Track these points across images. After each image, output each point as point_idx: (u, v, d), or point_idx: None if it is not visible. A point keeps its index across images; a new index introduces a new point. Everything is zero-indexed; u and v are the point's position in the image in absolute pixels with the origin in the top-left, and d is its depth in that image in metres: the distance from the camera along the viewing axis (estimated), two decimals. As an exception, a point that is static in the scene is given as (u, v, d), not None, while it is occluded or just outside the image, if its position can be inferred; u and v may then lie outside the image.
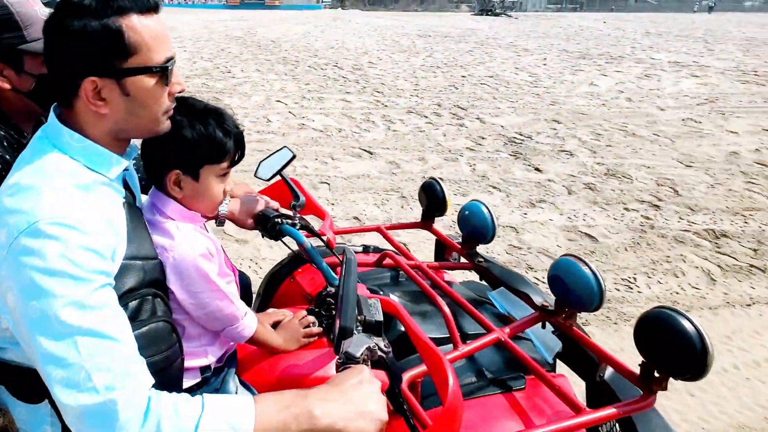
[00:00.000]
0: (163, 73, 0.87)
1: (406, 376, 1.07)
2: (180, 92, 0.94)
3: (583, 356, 1.31)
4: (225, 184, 1.11)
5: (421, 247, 3.71)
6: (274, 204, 1.44)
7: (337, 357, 0.90)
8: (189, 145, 1.02)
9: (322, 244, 1.42)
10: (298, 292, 1.64)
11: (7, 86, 1.17)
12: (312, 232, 1.39)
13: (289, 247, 1.44)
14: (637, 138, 6.60)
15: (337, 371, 0.89)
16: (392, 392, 0.91)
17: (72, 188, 0.82)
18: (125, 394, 0.73)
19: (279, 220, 1.36)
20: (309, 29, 23.54)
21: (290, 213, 1.43)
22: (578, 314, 1.29)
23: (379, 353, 0.90)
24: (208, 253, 1.05)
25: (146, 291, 0.89)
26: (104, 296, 0.77)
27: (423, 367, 1.12)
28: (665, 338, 1.04)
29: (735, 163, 5.71)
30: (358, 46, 16.96)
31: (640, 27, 26.25)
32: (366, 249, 1.78)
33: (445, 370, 0.85)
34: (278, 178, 1.53)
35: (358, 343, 0.88)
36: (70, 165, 0.85)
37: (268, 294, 1.72)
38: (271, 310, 1.37)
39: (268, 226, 1.37)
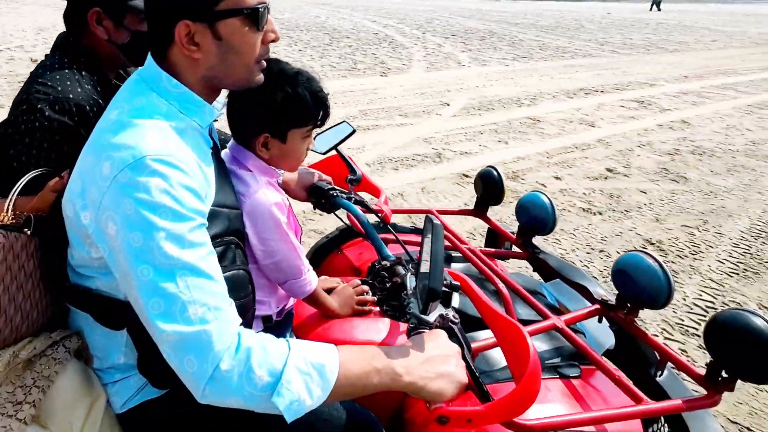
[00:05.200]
0: (254, 15, 0.84)
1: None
2: (273, 40, 0.91)
3: (636, 353, 1.25)
4: (308, 143, 1.12)
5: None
6: (327, 178, 1.43)
7: (409, 322, 0.90)
8: (279, 109, 1.02)
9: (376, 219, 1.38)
10: (345, 265, 1.61)
11: (104, 37, 1.19)
12: (367, 207, 1.35)
13: (342, 220, 1.42)
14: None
15: (409, 335, 0.88)
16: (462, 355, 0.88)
17: (170, 129, 0.82)
18: (217, 327, 0.74)
19: (334, 192, 1.34)
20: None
21: (343, 188, 1.41)
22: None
23: (449, 323, 0.89)
24: (282, 204, 1.07)
25: (230, 239, 0.90)
26: (201, 235, 0.78)
27: (484, 342, 1.11)
28: (738, 339, 0.97)
29: None
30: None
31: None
32: (417, 230, 1.73)
33: (524, 340, 0.81)
34: (333, 152, 1.50)
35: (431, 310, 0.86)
36: (168, 108, 0.86)
37: (315, 264, 1.69)
38: (323, 277, 1.33)
39: (322, 198, 1.35)
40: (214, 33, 0.83)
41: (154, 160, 0.75)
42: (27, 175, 1.01)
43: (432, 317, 0.88)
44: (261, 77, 0.93)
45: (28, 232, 0.91)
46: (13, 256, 0.87)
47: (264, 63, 0.92)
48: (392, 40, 13.25)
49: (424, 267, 0.84)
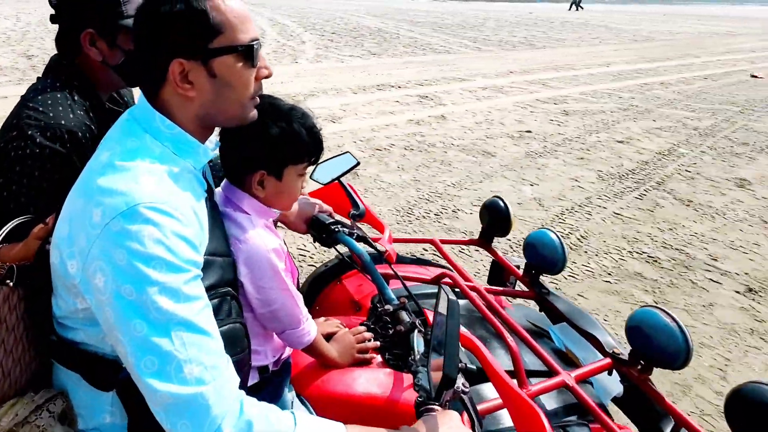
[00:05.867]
0: (248, 53, 0.84)
1: None
2: (267, 76, 0.90)
3: (650, 411, 1.24)
4: (302, 181, 1.08)
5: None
6: (328, 209, 1.36)
7: (417, 395, 0.87)
8: (275, 146, 0.99)
9: (373, 251, 1.31)
10: (345, 297, 1.53)
11: (98, 59, 1.17)
12: (369, 244, 1.28)
13: (341, 254, 1.34)
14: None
15: (417, 409, 0.85)
16: None
17: (164, 174, 0.79)
18: (215, 389, 0.70)
19: (335, 228, 1.27)
20: None
21: (345, 221, 1.35)
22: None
23: (460, 394, 0.86)
24: (280, 250, 1.03)
25: (225, 290, 0.86)
26: (196, 287, 0.75)
27: (491, 403, 1.08)
28: (760, 414, 0.96)
29: None
30: None
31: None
32: (418, 261, 1.69)
33: (542, 424, 0.81)
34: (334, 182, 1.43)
35: None
36: (162, 150, 0.83)
37: (312, 293, 1.61)
38: (322, 319, 1.30)
39: (322, 233, 1.28)
40: (209, 71, 0.82)
41: (147, 207, 0.72)
42: (10, 223, 0.97)
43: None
44: (255, 113, 0.91)
45: (11, 284, 0.87)
46: None
47: (257, 99, 0.90)
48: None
49: (437, 344, 0.80)
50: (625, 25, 22.37)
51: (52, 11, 1.19)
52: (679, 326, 1.12)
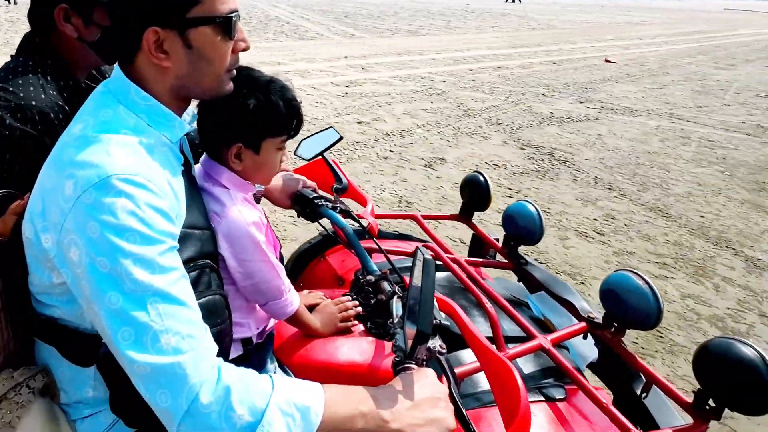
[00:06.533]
0: (227, 24, 0.81)
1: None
2: (244, 49, 0.87)
3: (622, 372, 1.26)
4: (282, 155, 1.06)
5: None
6: (312, 184, 1.35)
7: (395, 356, 0.87)
8: (252, 118, 0.97)
9: (357, 226, 1.31)
10: (328, 273, 1.54)
11: (74, 35, 1.12)
12: (352, 218, 1.29)
13: (325, 229, 1.34)
14: None
15: (394, 369, 0.85)
16: (450, 395, 0.87)
17: (138, 145, 0.78)
18: (192, 358, 0.70)
19: (319, 202, 1.27)
20: None
21: (329, 195, 1.35)
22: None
23: (437, 354, 0.87)
24: (260, 223, 1.02)
25: (204, 262, 0.85)
26: (172, 258, 0.74)
27: (470, 366, 1.09)
28: (727, 368, 0.98)
29: None
30: None
31: None
32: (401, 236, 1.69)
33: (515, 380, 0.83)
34: (318, 157, 1.43)
35: None
36: (136, 122, 0.81)
37: (296, 270, 1.62)
38: (306, 291, 1.29)
39: (306, 207, 1.28)
40: (185, 41, 0.79)
41: (120, 179, 0.71)
42: None
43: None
44: (231, 86, 0.89)
45: None
46: None
47: (234, 72, 0.89)
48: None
49: (413, 303, 0.82)
50: (545, 15, 22.34)
51: None
52: (651, 288, 1.15)
